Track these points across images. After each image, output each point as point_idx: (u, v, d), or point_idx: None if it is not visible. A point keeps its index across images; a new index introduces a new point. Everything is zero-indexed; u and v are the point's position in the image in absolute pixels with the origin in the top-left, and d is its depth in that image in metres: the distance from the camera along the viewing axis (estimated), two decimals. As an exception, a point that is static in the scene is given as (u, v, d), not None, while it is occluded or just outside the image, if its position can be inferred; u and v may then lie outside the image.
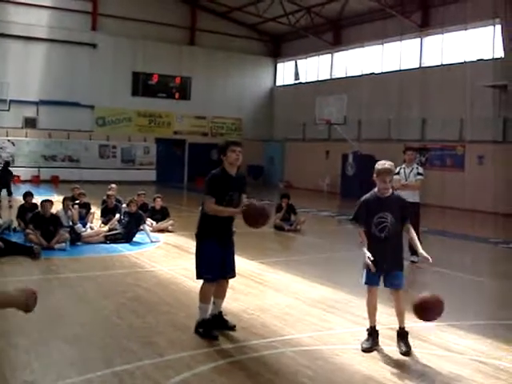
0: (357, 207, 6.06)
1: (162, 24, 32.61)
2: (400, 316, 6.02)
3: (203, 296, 6.20)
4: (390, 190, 6.00)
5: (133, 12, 31.64)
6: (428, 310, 5.51)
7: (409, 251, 11.04)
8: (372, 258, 5.73)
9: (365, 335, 6.06)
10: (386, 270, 5.91)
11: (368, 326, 6.10)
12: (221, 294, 6.41)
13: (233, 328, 6.37)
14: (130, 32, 31.72)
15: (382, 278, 5.99)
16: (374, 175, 5.98)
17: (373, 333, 6.02)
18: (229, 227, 6.33)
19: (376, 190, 6.02)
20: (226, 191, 6.05)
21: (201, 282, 6.26)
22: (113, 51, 31.39)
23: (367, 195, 6.07)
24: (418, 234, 11.08)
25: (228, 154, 6.14)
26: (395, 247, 6.00)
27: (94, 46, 31.02)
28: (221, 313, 6.46)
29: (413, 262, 10.97)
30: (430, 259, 5.86)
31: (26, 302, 2.81)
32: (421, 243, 11.24)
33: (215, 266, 6.11)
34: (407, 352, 5.81)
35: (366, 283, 6.02)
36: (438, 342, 6.29)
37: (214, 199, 5.98)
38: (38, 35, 29.44)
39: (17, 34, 28.88)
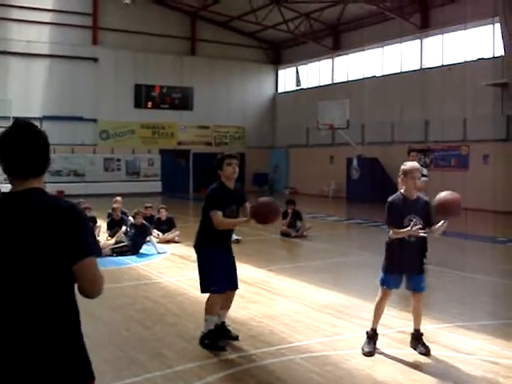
0: (387, 211, 5.87)
1: (162, 36, 32.73)
2: (418, 318, 6.01)
3: (210, 308, 6.14)
4: (416, 193, 5.92)
5: (133, 25, 31.76)
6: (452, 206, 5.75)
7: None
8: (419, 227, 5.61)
9: (363, 339, 6.03)
10: (409, 272, 5.89)
11: (369, 329, 6.07)
12: (226, 306, 6.39)
13: (236, 338, 6.32)
14: (131, 45, 31.84)
15: (403, 281, 5.96)
16: (401, 176, 5.87)
17: (374, 336, 6.00)
18: (230, 236, 6.34)
19: (402, 191, 5.91)
20: (227, 204, 6.05)
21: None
22: (114, 64, 31.51)
23: (393, 196, 5.91)
24: (425, 236, 11.17)
25: (224, 167, 6.13)
26: (421, 250, 6.02)
27: (95, 60, 31.12)
28: (223, 323, 6.42)
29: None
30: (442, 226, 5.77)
31: None
32: (427, 244, 11.27)
33: (221, 277, 6.08)
34: (427, 352, 5.82)
35: (382, 285, 5.98)
36: (447, 344, 6.26)
37: (221, 212, 5.97)
38: (39, 51, 29.57)
39: (18, 51, 29.02)
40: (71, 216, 2.49)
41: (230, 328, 6.45)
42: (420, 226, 5.64)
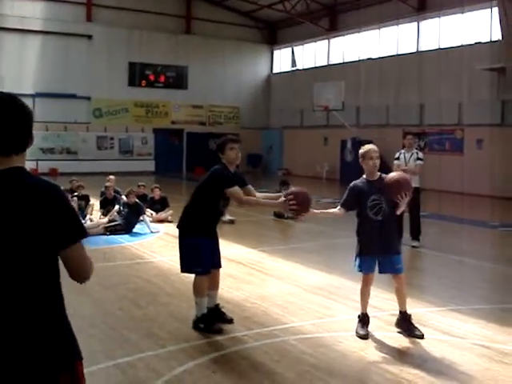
0: (346, 193, 6.06)
1: (157, 13, 32.35)
2: (401, 300, 6.01)
3: (197, 290, 6.05)
4: (378, 173, 5.98)
5: (128, 2, 31.42)
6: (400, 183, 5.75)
7: (410, 236, 11.08)
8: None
9: (356, 322, 6.02)
10: (381, 254, 5.87)
11: (359, 313, 6.06)
12: (215, 286, 6.26)
13: (230, 321, 6.25)
14: (126, 22, 31.50)
15: (377, 264, 5.94)
16: (360, 159, 5.99)
17: (365, 319, 6.00)
18: (219, 220, 6.29)
19: (364, 175, 6.04)
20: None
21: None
22: (108, 42, 31.17)
23: (356, 181, 6.07)
24: (418, 219, 11.18)
25: (227, 151, 5.99)
26: (391, 230, 5.96)
27: (89, 37, 30.78)
28: (217, 305, 6.33)
29: (414, 246, 10.98)
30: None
31: None
32: (421, 228, 11.27)
33: (206, 258, 5.96)
34: (422, 335, 5.81)
35: (359, 271, 6.00)
36: (439, 327, 6.27)
37: (238, 187, 5.86)
38: (32, 27, 29.21)
39: (12, 27, 28.65)
40: (56, 198, 2.37)
41: (224, 310, 6.38)
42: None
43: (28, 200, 2.31)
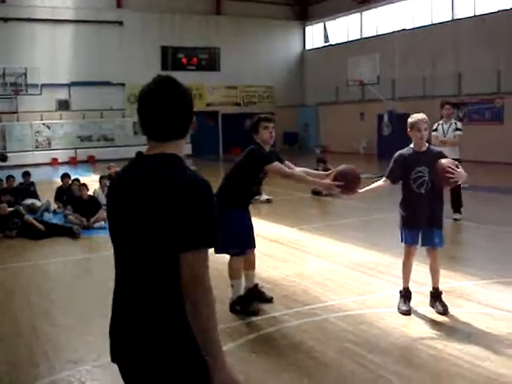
0: (391, 163, 5.85)
1: (187, -5, 32.29)
2: (435, 276, 5.85)
3: (233, 271, 5.99)
4: (427, 144, 5.78)
5: (157, -15, 31.41)
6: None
7: (451, 209, 10.83)
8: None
9: (398, 298, 5.89)
10: (424, 226, 5.70)
11: (401, 288, 5.93)
12: (251, 265, 6.16)
13: (270, 300, 6.20)
14: (156, 6, 31.45)
15: (420, 236, 5.78)
16: (408, 129, 5.76)
17: (408, 294, 5.86)
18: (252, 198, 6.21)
19: (412, 145, 5.80)
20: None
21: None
22: (140, 27, 31.20)
23: (402, 150, 5.85)
24: (459, 192, 10.90)
25: (260, 131, 5.87)
26: (435, 203, 5.75)
27: (120, 23, 30.87)
28: (257, 285, 6.26)
29: (455, 219, 10.74)
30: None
31: None
32: (462, 200, 10.97)
33: (243, 238, 5.87)
34: (445, 311, 5.65)
35: (404, 242, 5.84)
36: (484, 301, 6.10)
37: (278, 162, 5.75)
38: (64, 17, 29.40)
39: (43, 17, 28.88)
40: (198, 192, 2.14)
41: (263, 289, 6.32)
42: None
43: (169, 189, 2.13)
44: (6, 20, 27.99)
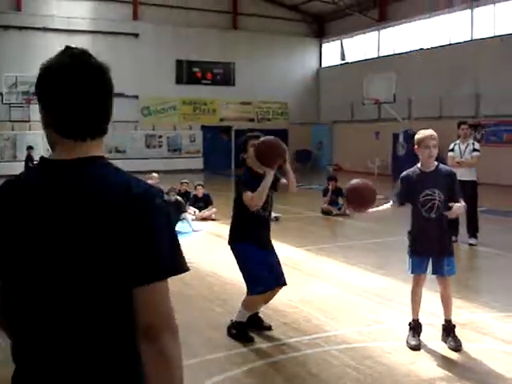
0: (398, 184, 5.44)
1: (203, 10, 32.06)
2: (447, 306, 5.35)
3: (250, 306, 5.51)
4: (436, 163, 5.29)
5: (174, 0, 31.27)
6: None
7: (467, 234, 10.32)
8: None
9: (407, 330, 5.39)
10: (435, 255, 5.21)
11: (410, 320, 5.44)
12: (266, 301, 5.69)
13: (269, 328, 5.74)
14: (172, 20, 31.31)
15: (430, 265, 5.28)
16: (416, 146, 5.28)
17: (417, 327, 5.37)
18: (266, 228, 5.68)
19: (419, 164, 5.33)
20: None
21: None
22: (155, 40, 31.06)
23: (409, 170, 5.39)
24: (475, 215, 10.39)
25: (249, 150, 5.51)
26: (445, 229, 5.28)
27: (135, 35, 30.76)
28: (257, 313, 5.79)
29: (471, 244, 10.23)
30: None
31: None
32: (478, 224, 10.44)
33: (265, 275, 5.37)
34: (458, 347, 5.14)
35: (412, 272, 5.36)
36: (502, 336, 5.59)
37: (249, 192, 5.26)
38: (79, 28, 29.33)
39: (59, 27, 28.83)
40: (147, 208, 1.62)
41: (262, 316, 5.84)
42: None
43: (112, 208, 1.60)
44: (20, 28, 27.98)
